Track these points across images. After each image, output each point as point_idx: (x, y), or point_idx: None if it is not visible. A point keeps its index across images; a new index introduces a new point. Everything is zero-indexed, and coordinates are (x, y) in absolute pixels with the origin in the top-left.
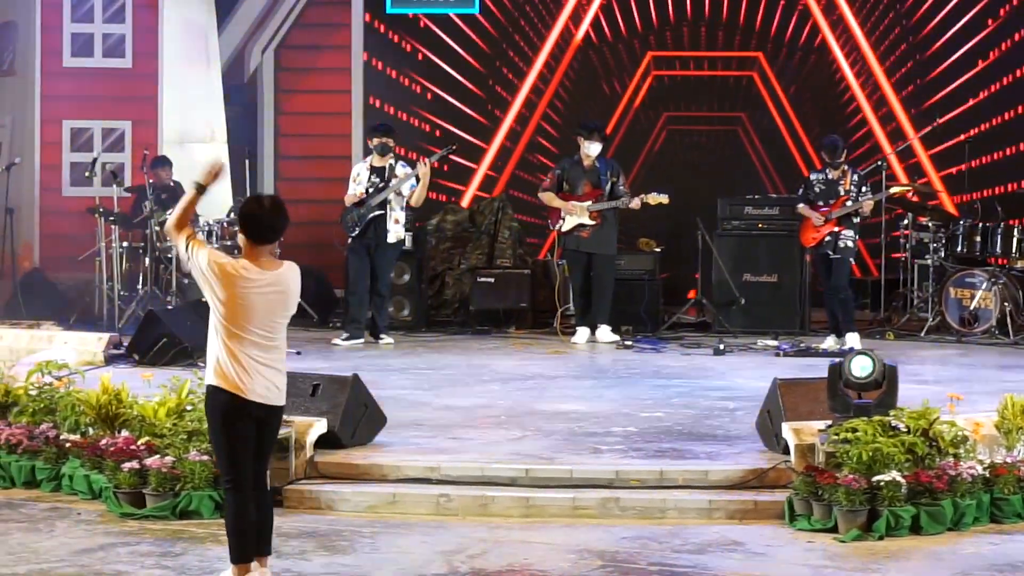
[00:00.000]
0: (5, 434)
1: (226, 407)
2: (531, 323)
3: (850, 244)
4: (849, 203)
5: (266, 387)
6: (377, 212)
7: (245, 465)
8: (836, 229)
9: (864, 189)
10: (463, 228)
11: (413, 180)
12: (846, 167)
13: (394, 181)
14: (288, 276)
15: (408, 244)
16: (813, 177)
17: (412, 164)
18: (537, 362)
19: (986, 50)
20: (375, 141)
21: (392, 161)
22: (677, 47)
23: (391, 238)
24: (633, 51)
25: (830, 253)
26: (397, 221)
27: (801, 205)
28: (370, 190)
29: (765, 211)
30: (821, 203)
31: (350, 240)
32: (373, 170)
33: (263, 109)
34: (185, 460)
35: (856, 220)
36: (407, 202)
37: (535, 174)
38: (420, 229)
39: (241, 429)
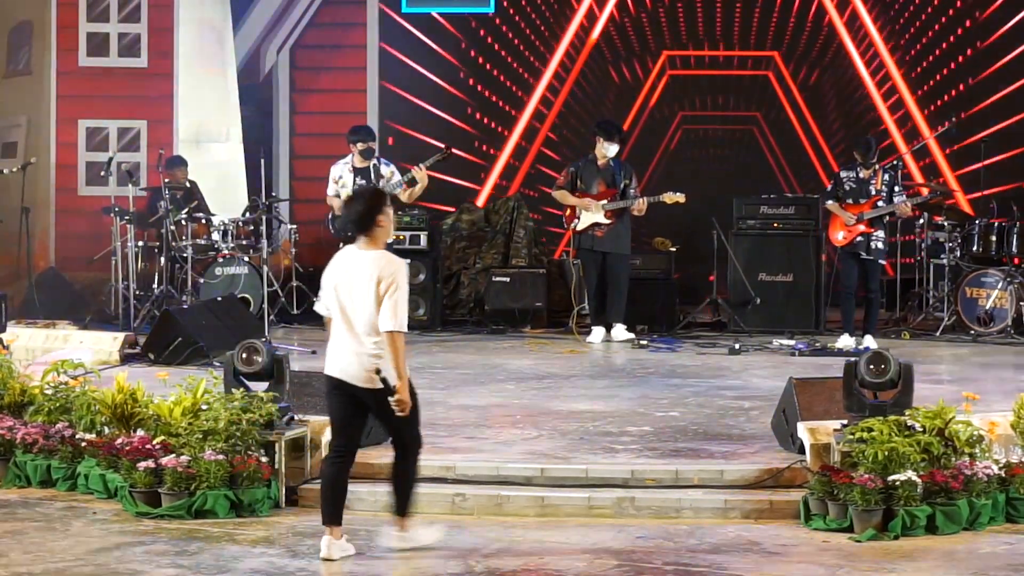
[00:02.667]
0: (21, 433)
1: None
2: (546, 322)
3: (881, 246)
4: (880, 203)
5: None
6: None
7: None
8: (867, 230)
9: (896, 189)
10: (478, 227)
11: (401, 183)
12: (877, 167)
13: (382, 182)
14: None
15: (423, 244)
16: (844, 174)
17: (401, 170)
18: (552, 361)
19: (1001, 49)
20: (360, 146)
21: (374, 161)
22: (692, 46)
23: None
24: (648, 50)
25: (862, 254)
26: None
27: (830, 202)
28: None
29: (781, 210)
30: (851, 201)
31: (342, 244)
32: (356, 171)
33: (278, 108)
34: (200, 459)
35: (887, 220)
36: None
37: (552, 173)
38: (435, 228)
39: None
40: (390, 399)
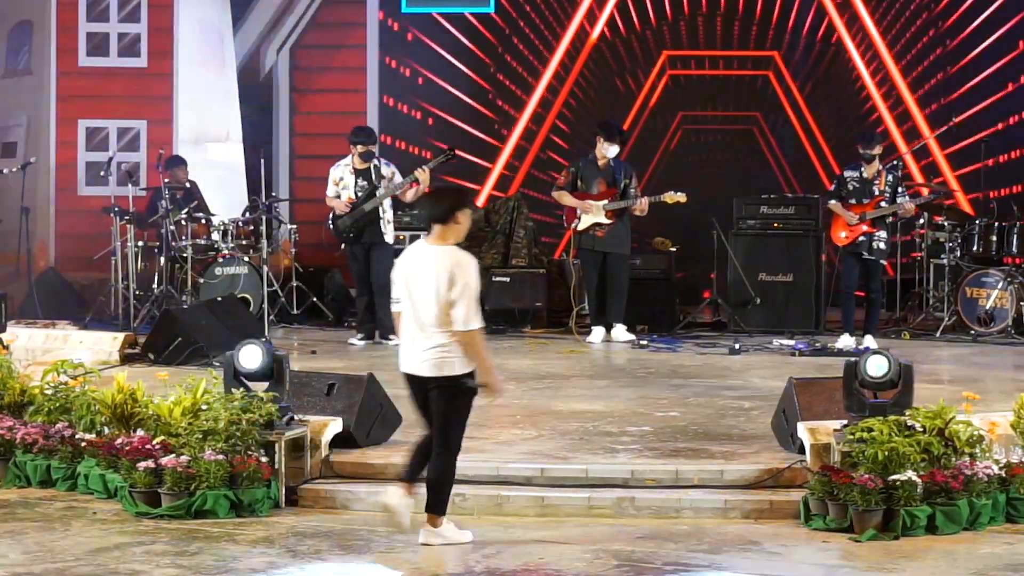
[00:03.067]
0: (21, 433)
1: None
2: (546, 323)
3: (883, 246)
4: (884, 204)
5: None
6: (370, 217)
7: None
8: (870, 230)
9: (900, 190)
10: (478, 227)
11: (404, 184)
12: (880, 167)
13: (384, 183)
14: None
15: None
16: (847, 174)
17: (403, 172)
18: (552, 361)
19: (1002, 50)
20: (360, 148)
21: (375, 161)
22: (692, 46)
23: (388, 238)
24: (648, 50)
25: (864, 254)
26: (389, 221)
27: (833, 202)
28: (359, 194)
29: (781, 210)
30: (854, 201)
31: (344, 245)
32: (357, 173)
33: (278, 108)
34: (200, 459)
35: (889, 220)
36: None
37: (550, 173)
38: None
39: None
40: (475, 386)
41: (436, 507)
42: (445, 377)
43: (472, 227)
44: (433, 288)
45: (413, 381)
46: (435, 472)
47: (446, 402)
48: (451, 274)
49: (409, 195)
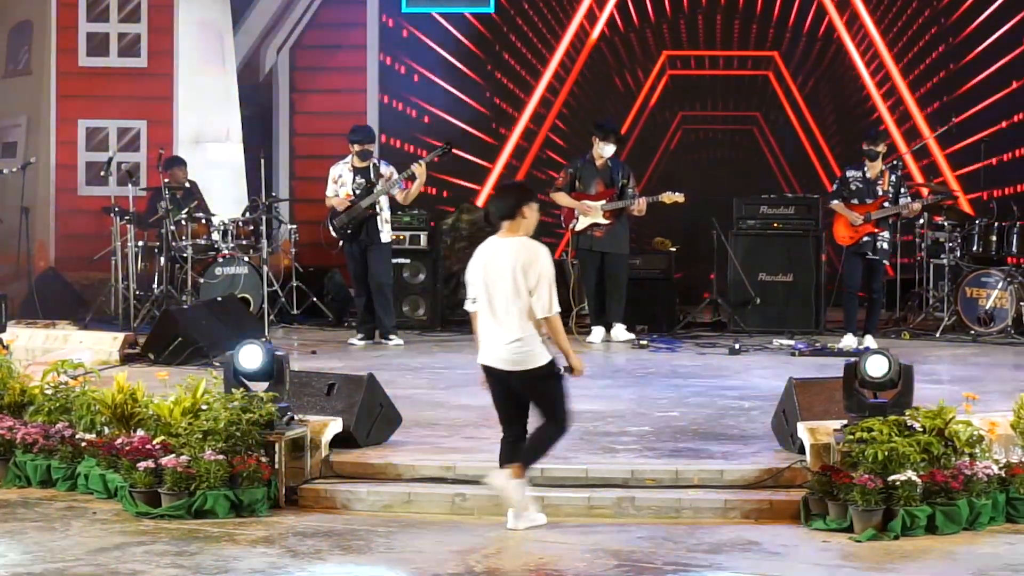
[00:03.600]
0: (21, 433)
1: None
2: None
3: (886, 246)
4: (887, 204)
5: None
6: (368, 214)
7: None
8: (874, 230)
9: (903, 190)
10: (478, 227)
11: (401, 181)
12: (884, 167)
13: (382, 182)
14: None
15: (423, 243)
16: (850, 174)
17: (397, 167)
18: None
19: (1002, 49)
20: (358, 147)
21: (374, 160)
22: (692, 46)
23: (385, 238)
24: (648, 50)
25: (868, 254)
26: (387, 221)
27: (836, 202)
28: (356, 191)
29: (781, 210)
30: (856, 201)
31: (341, 243)
32: (356, 171)
33: (278, 109)
34: (200, 459)
35: (891, 220)
36: (398, 200)
37: (550, 173)
38: (435, 229)
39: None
40: (565, 375)
41: (524, 459)
42: (528, 370)
43: (472, 227)
44: (511, 281)
45: (494, 374)
46: (542, 433)
47: (540, 390)
48: (526, 265)
49: (400, 197)
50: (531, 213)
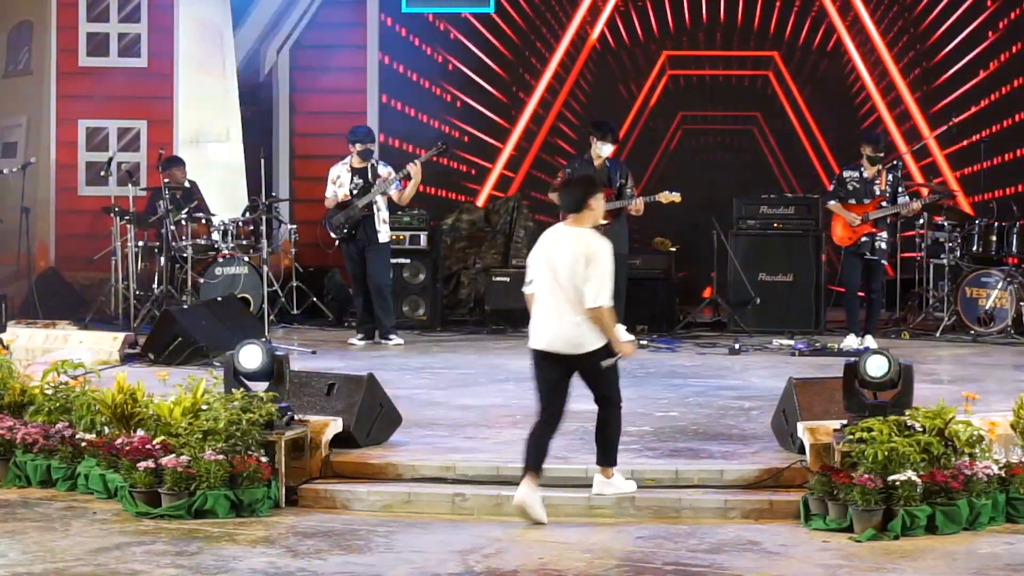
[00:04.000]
0: (21, 433)
1: None
2: None
3: (884, 246)
4: (885, 204)
5: None
6: (364, 213)
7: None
8: (873, 230)
9: (900, 190)
10: (478, 227)
11: (398, 181)
12: (881, 167)
13: (379, 182)
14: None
15: (423, 243)
16: (847, 174)
17: (396, 167)
18: None
19: (1000, 50)
20: (359, 147)
21: (373, 161)
22: (692, 47)
23: (383, 238)
24: (648, 51)
25: (867, 254)
26: (384, 221)
27: (833, 202)
28: (354, 191)
29: (780, 210)
30: (854, 202)
31: (337, 243)
32: (354, 171)
33: (278, 109)
34: (200, 459)
35: (889, 221)
36: (394, 201)
37: (551, 174)
38: (435, 228)
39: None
40: (613, 360)
41: (608, 460)
42: (587, 353)
43: (472, 227)
44: (570, 268)
45: (549, 357)
46: (608, 426)
47: (595, 371)
48: (588, 255)
49: (396, 197)
50: (597, 204)
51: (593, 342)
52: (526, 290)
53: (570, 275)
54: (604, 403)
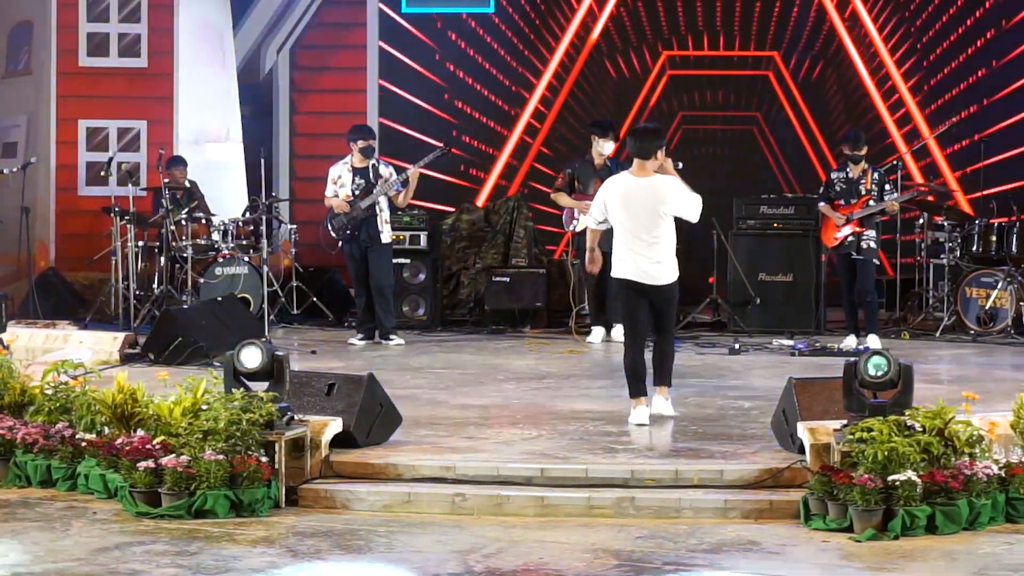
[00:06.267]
0: (21, 433)
1: None
2: (546, 323)
3: (872, 245)
4: (871, 203)
5: None
6: (367, 215)
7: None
8: (858, 230)
9: (887, 187)
10: (478, 227)
11: (399, 183)
12: (866, 166)
13: (381, 183)
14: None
15: (423, 243)
16: (834, 176)
17: (398, 168)
18: (552, 362)
19: (1001, 49)
20: (360, 144)
21: (373, 161)
22: (692, 46)
23: (385, 238)
24: (649, 50)
25: (853, 254)
26: (387, 222)
27: (822, 204)
28: (356, 192)
29: (780, 210)
30: (842, 202)
31: (340, 244)
32: (355, 171)
33: (278, 108)
34: (200, 459)
35: (878, 220)
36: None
37: (551, 173)
38: (435, 228)
39: None
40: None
41: (668, 379)
42: (665, 285)
43: (472, 227)
44: (655, 214)
45: (636, 287)
46: (669, 351)
47: (671, 301)
48: (667, 196)
49: (400, 200)
50: (661, 155)
51: (672, 276)
52: (593, 225)
53: (656, 219)
54: (664, 332)
